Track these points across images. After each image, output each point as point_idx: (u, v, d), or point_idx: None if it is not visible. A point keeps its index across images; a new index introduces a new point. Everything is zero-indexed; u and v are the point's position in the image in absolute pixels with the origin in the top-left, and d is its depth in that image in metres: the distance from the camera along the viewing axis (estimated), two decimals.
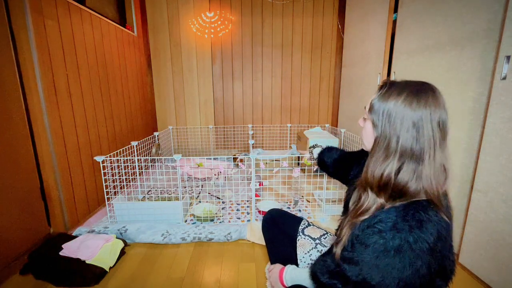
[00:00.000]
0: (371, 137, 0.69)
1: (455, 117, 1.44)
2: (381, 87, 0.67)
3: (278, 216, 1.16)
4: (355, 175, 0.90)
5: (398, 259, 0.57)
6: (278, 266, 0.96)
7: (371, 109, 0.67)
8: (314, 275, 0.77)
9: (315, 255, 1.00)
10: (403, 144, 0.61)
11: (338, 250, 0.70)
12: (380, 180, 0.64)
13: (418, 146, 0.61)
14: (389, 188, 0.63)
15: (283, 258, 1.04)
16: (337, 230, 0.89)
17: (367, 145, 0.72)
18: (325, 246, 1.00)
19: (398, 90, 0.63)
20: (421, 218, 0.58)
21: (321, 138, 2.71)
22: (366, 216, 0.66)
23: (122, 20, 2.71)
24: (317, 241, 1.02)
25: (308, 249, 1.02)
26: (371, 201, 0.67)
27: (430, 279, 0.60)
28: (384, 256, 0.59)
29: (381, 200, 0.65)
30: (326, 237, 1.03)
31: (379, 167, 0.64)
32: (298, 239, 1.06)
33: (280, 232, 1.12)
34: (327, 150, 1.21)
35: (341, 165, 1.09)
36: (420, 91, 0.62)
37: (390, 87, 0.65)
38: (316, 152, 1.26)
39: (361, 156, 0.96)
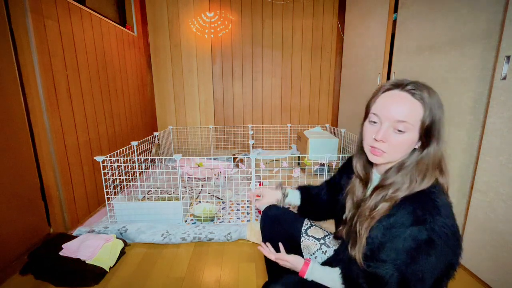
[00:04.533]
0: (409, 148, 0.69)
1: (455, 117, 1.44)
2: (415, 97, 0.66)
3: (279, 214, 1.13)
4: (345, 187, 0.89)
5: (432, 251, 0.59)
6: (296, 257, 0.89)
7: (425, 124, 0.66)
8: (349, 279, 0.75)
9: (320, 256, 0.99)
10: (442, 140, 0.68)
11: (358, 255, 0.69)
12: (425, 180, 0.66)
13: (442, 139, 0.67)
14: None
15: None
16: (336, 236, 0.89)
17: (396, 157, 0.70)
18: (329, 247, 1.00)
19: (432, 95, 0.66)
20: (437, 204, 0.61)
21: (321, 138, 2.71)
22: (380, 214, 0.67)
23: (122, 20, 2.71)
24: (322, 241, 1.02)
25: (313, 250, 1.01)
26: (386, 197, 0.68)
27: (455, 269, 0.63)
28: (418, 253, 0.59)
29: (396, 194, 0.67)
30: (329, 237, 1.03)
31: (431, 168, 0.67)
32: (302, 240, 1.05)
33: (281, 230, 1.09)
34: (303, 187, 1.11)
35: (333, 189, 1.01)
36: (433, 90, 0.67)
37: (425, 95, 0.65)
38: (293, 193, 1.09)
39: (348, 166, 0.93)
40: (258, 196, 1.12)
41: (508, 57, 1.10)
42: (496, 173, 1.18)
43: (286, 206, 1.09)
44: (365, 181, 0.81)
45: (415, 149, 0.70)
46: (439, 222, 0.59)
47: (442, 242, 0.59)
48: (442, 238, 0.59)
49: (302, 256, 1.05)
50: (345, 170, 0.95)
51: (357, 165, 0.82)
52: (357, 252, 0.69)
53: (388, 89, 0.69)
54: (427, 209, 0.61)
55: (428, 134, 0.66)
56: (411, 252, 0.60)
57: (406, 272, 0.60)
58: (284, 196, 1.06)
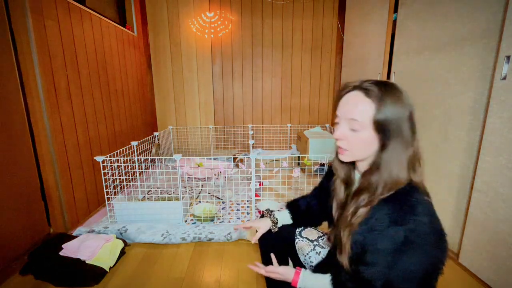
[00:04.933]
0: (368, 146, 0.69)
1: (455, 117, 1.44)
2: (367, 95, 0.66)
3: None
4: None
5: (411, 251, 0.59)
6: (286, 269, 0.90)
7: (377, 121, 0.65)
8: (339, 285, 0.75)
9: (314, 257, 1.00)
10: (407, 139, 0.65)
11: (344, 260, 0.70)
12: (398, 180, 0.65)
13: (412, 137, 0.66)
14: (393, 186, 0.65)
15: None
16: (329, 238, 0.89)
17: (359, 155, 0.71)
18: (323, 248, 1.00)
19: (388, 93, 0.65)
20: (412, 202, 0.62)
21: (321, 138, 2.71)
22: (360, 219, 0.67)
23: (122, 20, 2.71)
24: (315, 242, 1.02)
25: (307, 251, 1.02)
26: (365, 201, 0.69)
27: (441, 267, 0.62)
28: (399, 254, 0.59)
29: (374, 200, 0.67)
30: (323, 238, 1.03)
31: (398, 169, 0.65)
32: (297, 242, 1.06)
33: (276, 237, 1.10)
34: (291, 204, 1.11)
35: (322, 193, 1.01)
36: (397, 88, 0.67)
37: (378, 93, 0.65)
38: (282, 215, 1.09)
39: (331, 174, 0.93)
40: (247, 227, 1.11)
41: (508, 57, 1.10)
42: (496, 173, 1.18)
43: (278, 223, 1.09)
44: (346, 182, 0.82)
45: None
46: (416, 221, 0.59)
47: (421, 241, 0.59)
48: (420, 236, 0.59)
49: (298, 257, 1.06)
50: (331, 174, 0.95)
51: (337, 167, 0.83)
52: (344, 259, 0.70)
53: (350, 90, 0.71)
54: (402, 209, 0.61)
55: (384, 132, 0.65)
56: (392, 254, 0.60)
57: (390, 274, 0.61)
58: (275, 224, 1.06)
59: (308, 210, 1.07)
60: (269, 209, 1.13)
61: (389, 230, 0.61)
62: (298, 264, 1.06)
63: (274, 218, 1.06)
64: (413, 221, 0.59)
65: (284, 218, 1.09)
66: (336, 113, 0.73)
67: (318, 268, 0.95)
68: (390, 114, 0.64)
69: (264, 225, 1.05)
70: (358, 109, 0.66)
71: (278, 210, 1.13)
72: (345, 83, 0.73)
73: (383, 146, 0.67)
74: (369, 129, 0.66)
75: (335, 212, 0.84)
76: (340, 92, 0.73)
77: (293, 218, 1.09)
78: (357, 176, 0.80)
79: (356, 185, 0.79)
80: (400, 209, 0.62)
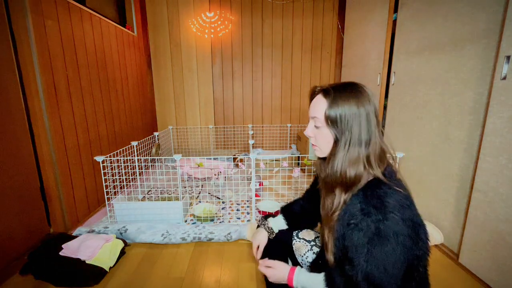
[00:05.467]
0: (330, 141, 0.74)
1: (455, 117, 1.44)
2: (324, 96, 0.73)
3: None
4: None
5: (383, 242, 0.60)
6: (283, 265, 0.92)
7: (328, 118, 0.71)
8: (331, 283, 0.76)
9: (311, 257, 1.00)
10: (360, 137, 0.69)
11: (330, 257, 0.72)
12: (345, 176, 0.69)
13: (367, 135, 0.70)
14: (350, 180, 0.69)
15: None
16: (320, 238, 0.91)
17: (326, 150, 0.76)
18: (320, 248, 1.00)
19: (343, 95, 0.71)
20: (379, 194, 0.65)
21: None
22: (336, 214, 0.71)
23: (122, 20, 2.71)
24: (312, 243, 1.03)
25: (304, 252, 1.02)
26: (338, 198, 0.72)
27: (421, 256, 0.63)
28: (373, 246, 0.61)
29: (345, 196, 0.71)
30: (320, 239, 1.03)
31: (347, 164, 0.70)
32: (294, 243, 1.06)
33: (274, 239, 1.11)
34: (285, 209, 1.14)
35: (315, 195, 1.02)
36: (359, 91, 0.71)
37: (333, 94, 0.71)
38: (277, 221, 1.11)
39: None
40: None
41: (508, 57, 1.10)
42: (496, 173, 1.18)
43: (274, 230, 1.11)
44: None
45: None
46: (385, 212, 0.61)
47: (391, 231, 0.60)
48: (390, 227, 0.60)
49: (295, 257, 1.06)
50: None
51: (317, 165, 0.87)
52: (329, 256, 0.73)
53: (316, 94, 0.77)
54: (371, 202, 0.64)
55: (335, 128, 0.71)
56: (366, 246, 0.61)
57: (367, 267, 0.61)
58: (271, 233, 1.09)
59: (303, 212, 1.10)
60: (263, 217, 1.15)
61: (362, 223, 0.63)
62: (296, 264, 1.06)
63: (268, 228, 1.09)
64: (382, 212, 0.61)
65: (279, 224, 1.11)
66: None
67: (313, 267, 0.96)
68: (340, 111, 0.69)
69: (263, 238, 1.08)
70: (317, 108, 0.74)
71: (273, 216, 1.15)
72: (313, 86, 0.80)
73: (335, 142, 0.72)
74: (325, 127, 0.73)
75: (322, 211, 0.86)
76: (311, 96, 0.80)
77: (288, 223, 1.11)
78: None
79: None
80: (369, 202, 0.65)
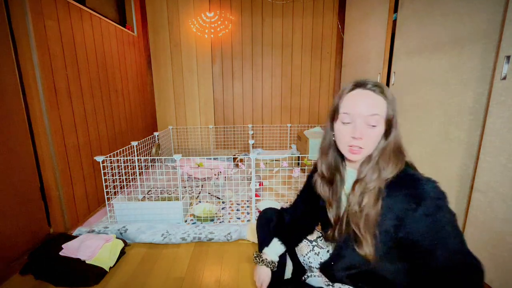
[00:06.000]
0: (378, 140, 0.75)
1: (455, 117, 1.44)
2: (382, 92, 0.73)
3: (275, 217, 1.11)
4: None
5: (442, 213, 0.67)
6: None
7: (392, 115, 0.73)
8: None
9: (313, 257, 1.00)
10: (398, 130, 0.76)
11: (368, 251, 0.73)
12: (394, 169, 0.72)
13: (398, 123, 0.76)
14: (396, 172, 0.73)
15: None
16: (327, 239, 0.89)
17: (371, 150, 0.75)
18: (322, 248, 1.00)
19: (390, 94, 0.74)
20: (417, 177, 0.70)
21: (321, 138, 2.70)
22: (370, 208, 0.72)
23: (122, 20, 2.71)
24: (314, 243, 1.02)
25: (305, 252, 1.02)
26: (369, 188, 0.73)
27: None
28: (439, 225, 0.66)
29: (382, 187, 0.72)
30: (322, 239, 1.03)
31: (394, 158, 0.73)
32: None
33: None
34: (278, 231, 1.04)
35: (310, 200, 0.98)
36: (384, 85, 0.77)
37: (386, 94, 0.74)
38: (273, 248, 1.01)
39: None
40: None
41: (508, 57, 1.10)
42: (496, 173, 1.18)
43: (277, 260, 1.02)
44: (330, 181, 0.85)
45: None
46: (430, 190, 0.67)
47: (442, 202, 0.67)
48: (441, 198, 0.67)
49: (297, 256, 1.06)
50: (312, 178, 0.97)
51: (323, 167, 0.86)
52: (367, 249, 0.72)
53: (351, 89, 0.75)
54: (416, 187, 0.69)
55: (390, 124, 0.73)
56: (435, 227, 0.66)
57: (444, 245, 0.66)
58: (273, 267, 1.00)
59: (296, 224, 1.03)
60: (257, 254, 1.04)
61: (419, 210, 0.66)
62: (297, 264, 1.06)
63: (268, 263, 0.99)
64: (430, 192, 0.67)
65: (278, 250, 1.01)
66: (346, 112, 0.74)
67: (324, 270, 0.91)
68: (395, 108, 0.73)
69: (266, 278, 0.99)
70: (376, 105, 0.72)
71: (266, 246, 1.03)
72: (347, 83, 0.78)
73: (386, 137, 0.74)
74: (383, 123, 0.73)
75: (330, 213, 0.85)
76: (342, 93, 0.77)
77: (285, 245, 1.02)
78: (350, 172, 0.83)
79: (350, 179, 0.81)
80: (415, 188, 0.68)
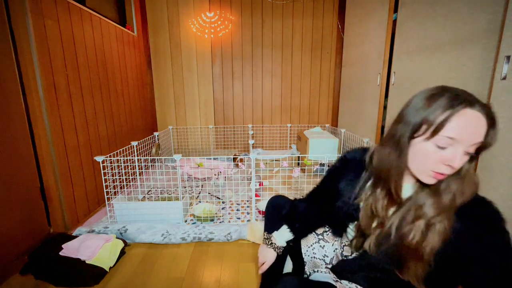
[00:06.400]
0: None
1: None
2: (487, 114, 0.65)
3: (282, 204, 1.10)
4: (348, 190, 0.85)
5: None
6: None
7: (487, 142, 0.65)
8: None
9: (317, 249, 1.00)
10: None
11: (419, 272, 0.66)
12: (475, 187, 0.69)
13: None
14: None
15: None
16: (355, 246, 0.86)
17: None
18: (327, 242, 1.00)
19: (489, 107, 0.68)
20: (490, 204, 0.70)
21: (321, 138, 2.71)
22: (439, 235, 0.65)
23: (122, 20, 2.71)
24: (320, 236, 1.03)
25: (311, 243, 1.02)
26: (444, 204, 0.66)
27: None
28: (506, 257, 0.62)
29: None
30: (328, 234, 1.03)
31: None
32: None
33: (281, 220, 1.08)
34: (288, 219, 1.03)
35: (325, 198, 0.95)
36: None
37: (487, 108, 0.66)
38: (283, 234, 1.02)
39: (342, 170, 0.89)
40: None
41: (508, 57, 1.10)
42: (496, 173, 1.18)
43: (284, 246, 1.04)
44: (389, 194, 0.74)
45: None
46: (499, 217, 0.65)
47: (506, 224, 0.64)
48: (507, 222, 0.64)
49: (297, 255, 1.06)
50: (341, 174, 0.91)
51: (395, 185, 0.73)
52: (414, 274, 0.67)
53: (460, 108, 0.61)
54: (490, 213, 0.67)
55: (484, 150, 0.65)
56: (500, 259, 0.61)
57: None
58: (279, 252, 1.01)
59: (308, 217, 1.03)
60: (267, 236, 1.05)
61: (487, 238, 0.63)
62: (297, 259, 1.05)
63: (277, 248, 1.01)
64: (499, 220, 0.65)
65: (285, 236, 1.03)
66: (452, 136, 0.60)
67: (336, 271, 0.89)
68: (495, 137, 0.66)
69: (271, 257, 1.01)
70: (483, 132, 0.61)
71: (276, 230, 1.05)
72: (447, 99, 0.65)
73: (470, 160, 0.66)
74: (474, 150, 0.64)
75: (363, 221, 0.80)
76: (448, 109, 0.62)
77: (293, 232, 1.03)
78: (409, 188, 0.74)
79: (406, 193, 0.74)
80: (490, 213, 0.66)
